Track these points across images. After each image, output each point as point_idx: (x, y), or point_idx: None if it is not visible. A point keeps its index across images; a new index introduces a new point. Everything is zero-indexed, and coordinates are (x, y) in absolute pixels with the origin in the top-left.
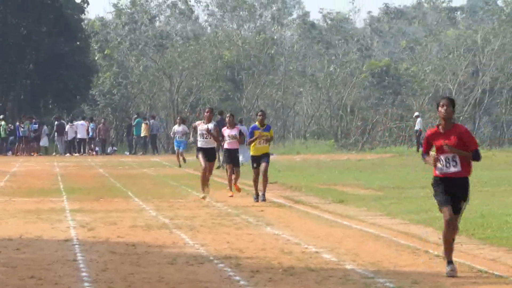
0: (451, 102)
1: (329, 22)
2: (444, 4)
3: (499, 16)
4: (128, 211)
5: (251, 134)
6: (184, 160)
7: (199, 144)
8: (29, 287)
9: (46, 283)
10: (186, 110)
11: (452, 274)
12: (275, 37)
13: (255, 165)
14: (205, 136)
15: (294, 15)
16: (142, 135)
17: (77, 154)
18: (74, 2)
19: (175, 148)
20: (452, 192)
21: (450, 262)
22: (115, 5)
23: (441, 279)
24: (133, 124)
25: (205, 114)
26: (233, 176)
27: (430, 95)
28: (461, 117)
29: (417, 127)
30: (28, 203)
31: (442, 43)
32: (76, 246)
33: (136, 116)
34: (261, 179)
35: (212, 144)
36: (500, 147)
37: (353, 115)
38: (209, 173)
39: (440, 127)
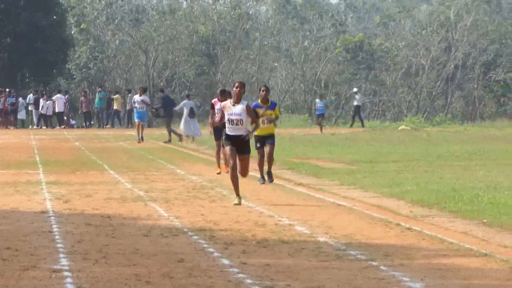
0: None
1: None
2: None
3: None
4: (103, 184)
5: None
6: (142, 138)
7: (228, 131)
8: (5, 258)
9: (22, 254)
10: (162, 84)
11: None
12: (250, 12)
13: (258, 144)
14: (235, 122)
15: None
16: (115, 107)
17: (58, 127)
18: None
19: (136, 120)
20: None
21: None
22: None
23: (412, 251)
24: (99, 97)
25: (234, 89)
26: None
27: (403, 70)
28: (433, 92)
29: (355, 103)
30: (5, 175)
31: (415, 19)
32: (52, 217)
33: (100, 89)
34: (266, 159)
35: (244, 131)
36: (472, 122)
37: (327, 90)
38: (242, 171)
39: None
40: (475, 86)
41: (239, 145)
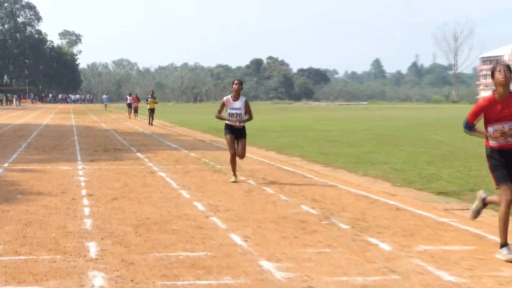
0: (508, 68)
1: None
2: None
3: None
4: (115, 120)
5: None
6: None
7: (229, 122)
8: (58, 140)
9: (64, 139)
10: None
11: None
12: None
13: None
14: (235, 115)
15: None
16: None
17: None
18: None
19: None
20: (509, 164)
21: (506, 244)
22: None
23: (180, 137)
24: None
25: (234, 86)
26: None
27: None
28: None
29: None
30: (61, 115)
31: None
32: (74, 127)
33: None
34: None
35: (243, 122)
36: None
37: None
38: (241, 153)
39: (496, 94)
40: None
41: (238, 132)
